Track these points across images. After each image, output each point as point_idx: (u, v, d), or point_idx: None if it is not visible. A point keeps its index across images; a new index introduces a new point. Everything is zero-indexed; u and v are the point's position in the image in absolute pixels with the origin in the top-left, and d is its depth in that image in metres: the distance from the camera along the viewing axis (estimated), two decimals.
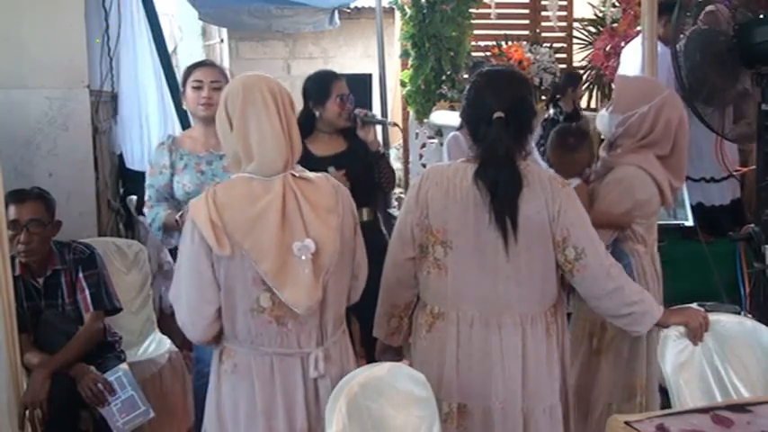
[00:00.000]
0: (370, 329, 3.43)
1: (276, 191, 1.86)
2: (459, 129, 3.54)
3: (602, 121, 2.78)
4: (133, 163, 4.23)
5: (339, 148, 3.22)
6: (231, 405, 1.95)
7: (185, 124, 4.06)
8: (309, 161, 3.16)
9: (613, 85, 2.86)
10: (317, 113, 3.21)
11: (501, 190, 2.04)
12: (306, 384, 1.94)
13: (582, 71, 6.30)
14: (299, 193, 1.88)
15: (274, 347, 1.91)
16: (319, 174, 2.01)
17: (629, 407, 2.67)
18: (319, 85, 3.22)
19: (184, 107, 3.00)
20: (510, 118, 2.06)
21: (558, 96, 5.61)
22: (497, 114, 2.05)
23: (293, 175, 1.91)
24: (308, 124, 3.20)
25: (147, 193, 2.91)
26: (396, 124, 3.59)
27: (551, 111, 5.53)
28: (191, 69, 2.95)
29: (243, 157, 1.91)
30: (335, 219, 1.92)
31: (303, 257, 1.84)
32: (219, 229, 1.82)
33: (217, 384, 1.99)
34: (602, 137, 2.88)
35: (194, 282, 1.88)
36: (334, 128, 3.23)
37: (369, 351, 3.40)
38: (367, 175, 3.23)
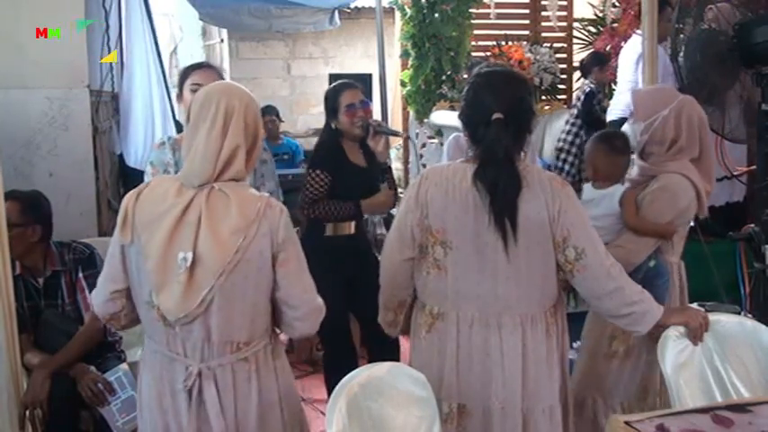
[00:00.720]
0: (369, 330, 3.45)
1: (184, 199, 1.88)
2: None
3: (627, 132, 2.77)
4: (138, 162, 4.23)
5: (362, 161, 3.27)
6: (141, 390, 2.04)
7: (179, 126, 4.09)
8: (343, 160, 3.21)
9: (621, 98, 2.85)
10: (334, 126, 3.26)
11: (500, 191, 2.03)
12: (190, 396, 1.91)
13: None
14: (204, 207, 1.87)
15: (162, 347, 1.94)
16: (255, 193, 1.96)
17: (642, 406, 2.66)
18: (330, 99, 3.27)
19: (182, 108, 2.99)
20: (509, 119, 2.06)
21: (586, 76, 5.59)
22: (496, 115, 2.05)
23: (214, 187, 1.89)
24: (332, 137, 3.26)
25: None
26: (408, 137, 3.56)
27: (592, 85, 5.44)
28: (188, 72, 2.93)
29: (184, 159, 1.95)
30: (236, 239, 1.85)
31: (181, 269, 1.84)
32: (129, 218, 1.89)
33: (139, 371, 2.07)
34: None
35: (109, 259, 1.98)
36: (352, 137, 3.25)
37: (369, 351, 3.41)
38: (376, 191, 3.27)
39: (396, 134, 3.23)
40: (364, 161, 3.27)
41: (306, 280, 1.98)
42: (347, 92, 3.24)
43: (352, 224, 3.27)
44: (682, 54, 3.40)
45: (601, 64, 5.57)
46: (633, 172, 2.79)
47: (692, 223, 4.08)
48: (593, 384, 2.71)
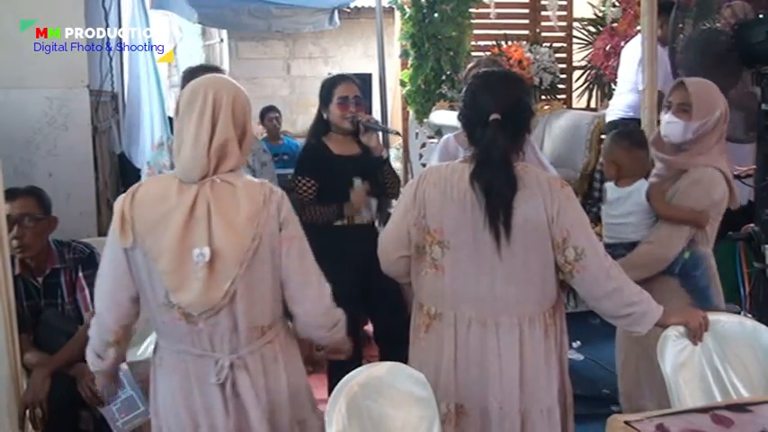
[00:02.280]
0: (381, 328, 3.46)
1: (189, 194, 1.87)
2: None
3: (673, 127, 2.68)
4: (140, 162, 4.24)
5: (354, 150, 3.26)
6: (161, 397, 2.00)
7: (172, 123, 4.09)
8: (328, 159, 3.25)
9: (677, 89, 2.75)
10: (325, 116, 3.29)
11: (495, 192, 2.04)
12: (223, 389, 1.92)
13: (582, 71, 6.29)
14: (212, 200, 1.86)
15: (187, 346, 1.93)
16: (254, 179, 1.98)
17: None
18: (325, 88, 3.31)
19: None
20: (506, 119, 2.06)
21: None
22: (493, 116, 2.05)
23: (215, 180, 1.88)
24: (321, 125, 3.31)
25: None
26: (397, 133, 3.53)
27: None
28: (198, 74, 2.93)
29: (175, 157, 1.94)
30: (252, 227, 1.87)
31: (199, 264, 1.84)
32: (127, 221, 1.87)
33: (153, 376, 2.04)
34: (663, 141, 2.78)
35: (111, 269, 1.94)
36: (342, 130, 3.26)
37: (382, 349, 3.42)
38: (374, 180, 3.29)
39: (385, 130, 3.21)
40: (357, 149, 3.27)
41: (310, 268, 1.97)
42: (343, 85, 3.27)
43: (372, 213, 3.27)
44: (682, 53, 3.39)
45: None
46: (657, 166, 2.79)
47: None
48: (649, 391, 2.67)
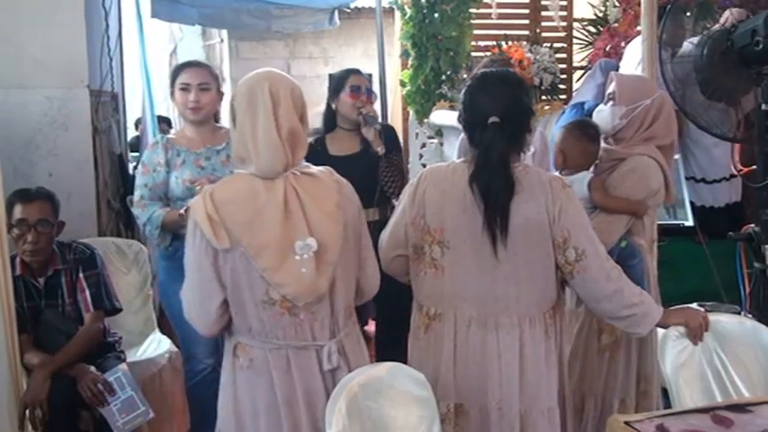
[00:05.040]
0: (381, 329, 3.47)
1: (278, 190, 1.90)
2: None
3: (601, 115, 2.80)
4: None
5: (353, 149, 3.26)
6: (249, 400, 1.98)
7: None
8: (322, 160, 3.22)
9: (612, 82, 2.89)
10: (334, 106, 3.29)
11: (492, 195, 2.04)
12: (324, 376, 1.97)
13: (582, 71, 6.28)
14: (301, 192, 1.92)
15: (289, 340, 1.95)
16: (322, 168, 2.04)
17: (645, 404, 2.66)
18: (336, 78, 3.32)
19: (173, 106, 3.01)
20: (505, 121, 2.06)
21: None
22: (492, 119, 2.05)
23: (295, 173, 1.94)
24: (329, 120, 3.32)
25: (139, 193, 2.92)
26: (382, 126, 3.48)
27: None
28: (178, 71, 2.94)
29: (245, 158, 1.95)
30: (340, 213, 1.96)
31: (305, 256, 1.88)
32: (217, 224, 1.87)
33: (232, 380, 2.01)
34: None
35: (197, 278, 1.94)
36: (350, 122, 3.25)
37: (379, 349, 3.43)
38: (374, 178, 3.25)
39: (374, 126, 3.21)
40: (357, 147, 3.26)
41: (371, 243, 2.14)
42: (355, 75, 3.30)
43: (376, 210, 3.24)
44: (689, 53, 3.38)
45: None
46: (600, 155, 2.82)
47: (692, 223, 4.09)
48: (588, 384, 2.71)
